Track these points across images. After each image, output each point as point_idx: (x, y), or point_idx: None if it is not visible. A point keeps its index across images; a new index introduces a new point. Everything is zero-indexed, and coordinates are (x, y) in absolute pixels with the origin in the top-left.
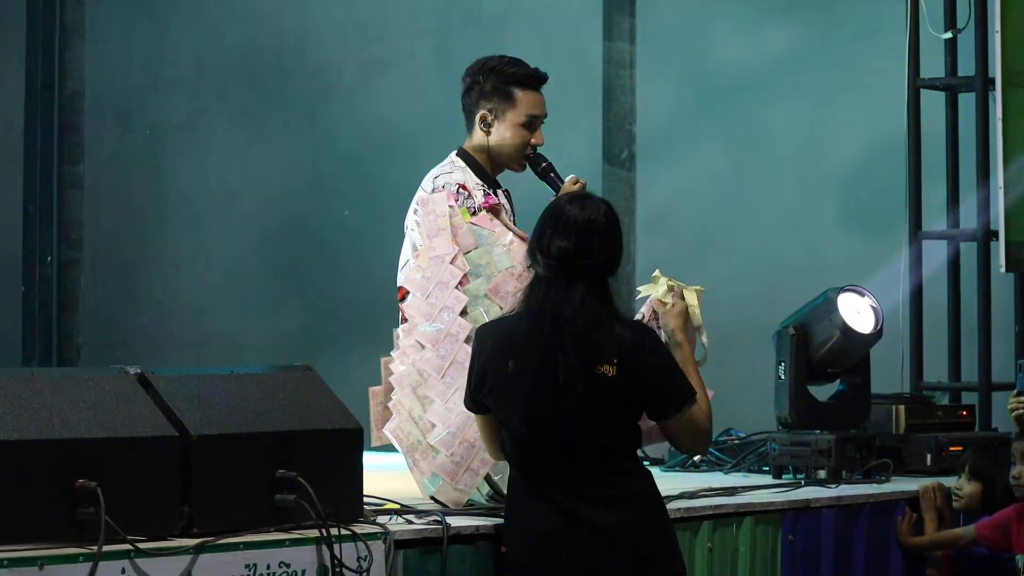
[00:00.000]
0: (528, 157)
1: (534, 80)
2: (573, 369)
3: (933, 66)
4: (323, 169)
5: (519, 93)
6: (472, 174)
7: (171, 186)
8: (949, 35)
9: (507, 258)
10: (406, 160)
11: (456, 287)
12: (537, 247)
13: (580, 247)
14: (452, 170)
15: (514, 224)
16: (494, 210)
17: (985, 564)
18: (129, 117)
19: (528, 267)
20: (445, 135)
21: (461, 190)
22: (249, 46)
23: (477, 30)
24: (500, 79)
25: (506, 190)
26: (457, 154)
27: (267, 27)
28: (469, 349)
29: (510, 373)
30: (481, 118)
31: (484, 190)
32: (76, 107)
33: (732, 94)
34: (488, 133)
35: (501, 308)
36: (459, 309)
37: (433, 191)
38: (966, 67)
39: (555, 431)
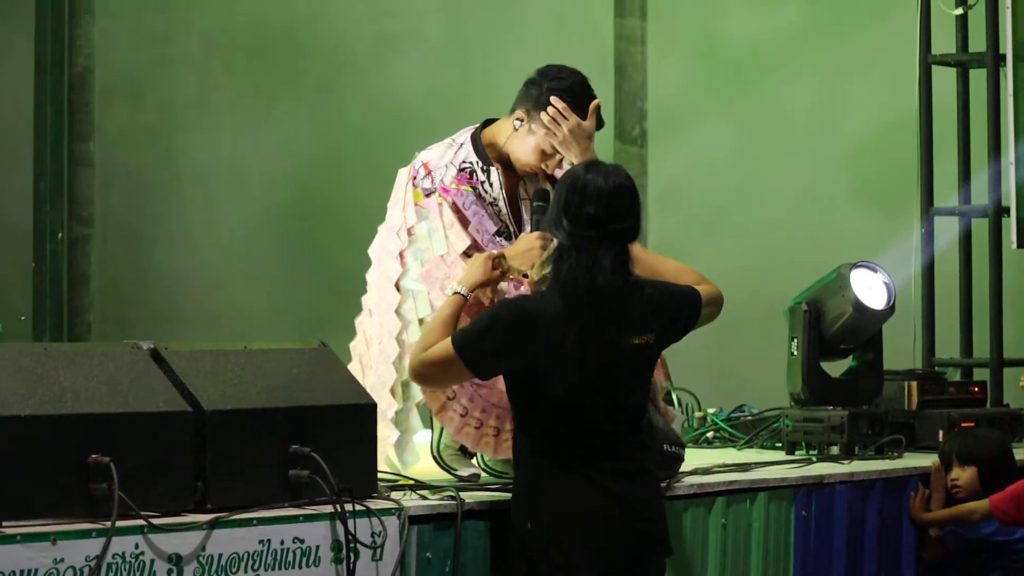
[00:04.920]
0: (536, 180)
1: None
2: (611, 340)
3: (944, 42)
4: (333, 145)
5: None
6: (471, 150)
7: (182, 163)
8: (960, 11)
9: (444, 244)
10: (416, 136)
11: (397, 256)
12: (563, 214)
13: (610, 212)
14: (436, 147)
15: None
16: (456, 211)
17: (972, 544)
18: (139, 94)
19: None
20: (456, 111)
21: (422, 168)
22: (259, 21)
23: (488, 6)
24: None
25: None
26: (476, 130)
27: (277, 2)
28: (398, 320)
29: (549, 352)
30: (517, 116)
31: (475, 167)
32: (86, 84)
33: (744, 70)
34: (515, 131)
35: (428, 293)
36: (395, 279)
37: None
38: (977, 43)
39: (598, 405)
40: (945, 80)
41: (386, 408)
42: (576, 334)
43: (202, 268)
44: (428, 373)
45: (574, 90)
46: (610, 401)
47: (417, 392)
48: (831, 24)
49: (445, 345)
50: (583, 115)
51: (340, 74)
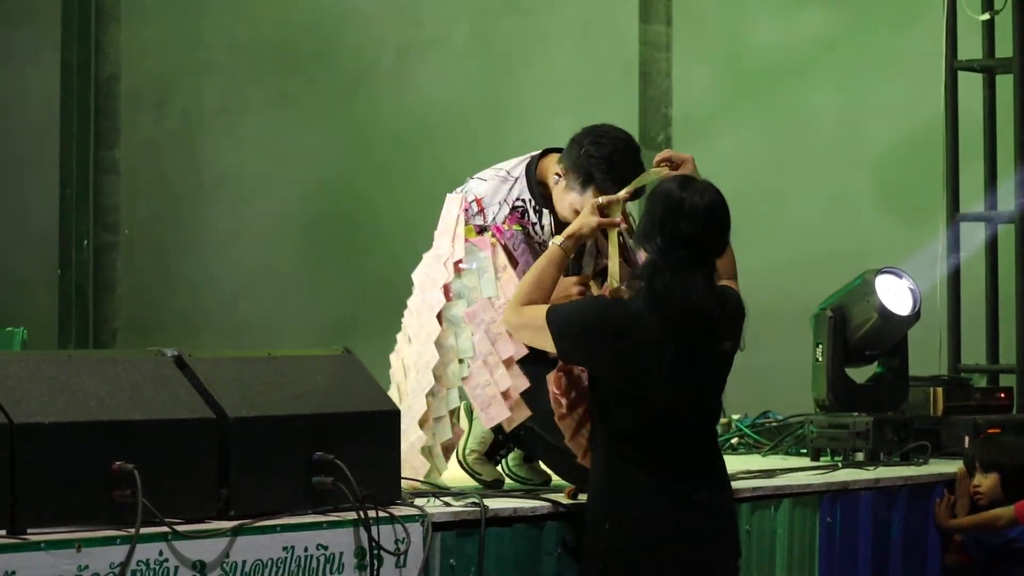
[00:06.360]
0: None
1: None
2: (702, 350)
3: (970, 48)
4: (358, 152)
5: (591, 193)
6: (525, 187)
7: (207, 170)
8: (986, 16)
9: (493, 287)
10: (442, 144)
11: (441, 288)
12: (658, 231)
13: (705, 229)
14: (490, 179)
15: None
16: (507, 252)
17: (995, 550)
18: (165, 101)
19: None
20: (481, 118)
21: (475, 204)
22: (285, 29)
23: (514, 13)
24: (588, 167)
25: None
26: (532, 160)
27: (303, 10)
28: (436, 352)
29: (642, 358)
30: (556, 172)
31: (528, 207)
32: (112, 91)
33: (769, 77)
34: (555, 184)
35: (472, 334)
36: (438, 310)
37: (458, 191)
38: (1003, 49)
39: (684, 411)
40: (971, 86)
41: (415, 441)
42: (670, 344)
43: (227, 275)
44: (520, 328)
45: (611, 160)
46: (694, 407)
47: (446, 430)
48: (856, 30)
49: (540, 312)
50: (621, 179)
51: (366, 81)
